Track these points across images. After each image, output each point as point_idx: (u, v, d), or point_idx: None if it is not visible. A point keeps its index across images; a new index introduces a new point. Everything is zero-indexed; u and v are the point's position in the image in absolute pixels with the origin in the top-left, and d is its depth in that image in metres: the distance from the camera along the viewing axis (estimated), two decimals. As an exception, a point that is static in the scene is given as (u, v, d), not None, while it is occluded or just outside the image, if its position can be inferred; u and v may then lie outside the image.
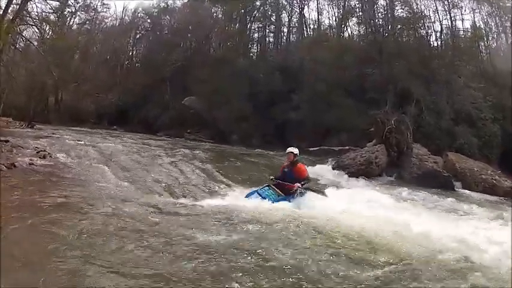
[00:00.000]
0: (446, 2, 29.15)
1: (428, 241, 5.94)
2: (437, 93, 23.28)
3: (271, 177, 9.05)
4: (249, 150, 21.30)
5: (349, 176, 14.72)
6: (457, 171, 15.67)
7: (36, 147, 12.27)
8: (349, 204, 8.26)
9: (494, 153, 20.87)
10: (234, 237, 5.53)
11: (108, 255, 4.56)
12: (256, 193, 8.31)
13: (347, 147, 19.49)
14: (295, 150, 8.87)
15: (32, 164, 10.00)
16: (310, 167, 15.38)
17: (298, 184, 8.27)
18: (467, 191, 14.40)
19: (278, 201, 7.97)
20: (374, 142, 17.36)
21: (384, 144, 16.39)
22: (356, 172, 14.98)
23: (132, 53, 43.86)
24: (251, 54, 37.18)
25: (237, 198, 8.53)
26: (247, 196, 8.33)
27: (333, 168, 15.76)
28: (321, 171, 15.17)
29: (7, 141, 12.54)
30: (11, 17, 18.58)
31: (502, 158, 20.08)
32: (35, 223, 5.45)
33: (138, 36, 43.42)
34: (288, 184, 8.41)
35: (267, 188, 8.52)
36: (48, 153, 11.49)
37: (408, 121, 17.54)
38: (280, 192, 8.29)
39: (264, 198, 8.00)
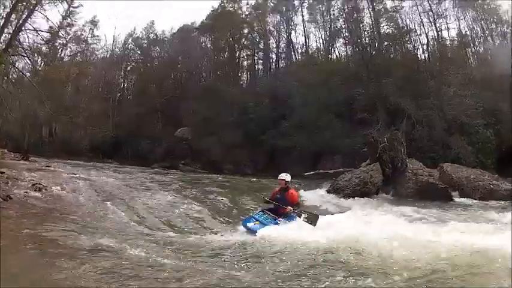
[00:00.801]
0: (431, 13, 29.63)
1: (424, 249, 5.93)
2: (427, 106, 23.34)
3: (265, 197, 9.10)
4: (242, 179, 21.22)
5: (345, 198, 14.41)
6: (454, 181, 15.58)
7: (31, 179, 12.23)
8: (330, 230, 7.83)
9: (490, 158, 20.85)
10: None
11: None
12: (252, 218, 8.33)
13: (342, 170, 19.25)
14: (287, 177, 8.88)
15: (27, 196, 10.07)
16: (304, 191, 15.52)
17: (290, 208, 8.30)
18: (465, 200, 14.37)
19: (276, 223, 8.03)
20: (368, 161, 17.29)
21: (379, 163, 16.25)
22: (352, 193, 14.73)
23: (123, 85, 44.44)
24: (241, 82, 37.63)
25: (237, 231, 8.42)
26: (244, 222, 8.31)
27: (328, 192, 15.60)
28: (315, 195, 14.99)
29: (2, 172, 12.53)
30: (3, 47, 18.80)
31: (498, 162, 20.04)
32: (33, 256, 5.50)
33: (129, 68, 44.12)
34: (280, 207, 8.43)
35: (261, 213, 8.53)
36: (44, 186, 11.44)
37: (401, 137, 17.35)
38: (275, 216, 8.30)
39: (261, 222, 8.03)
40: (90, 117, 36.06)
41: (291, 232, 7.39)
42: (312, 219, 8.28)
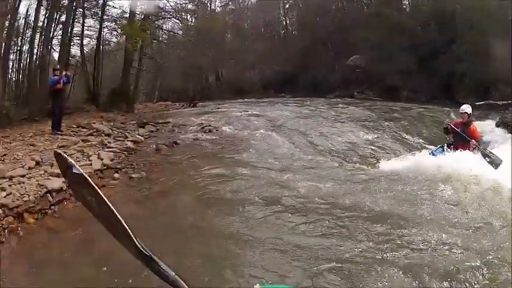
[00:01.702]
0: None
1: None
2: None
3: (447, 121, 9.02)
4: (418, 107, 19.99)
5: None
6: None
7: (200, 123, 12.51)
8: None
9: None
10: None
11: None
12: (430, 153, 8.45)
13: (511, 102, 17.90)
14: (469, 109, 8.34)
15: (197, 139, 10.24)
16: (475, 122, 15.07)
17: (474, 141, 7.84)
18: None
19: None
20: None
21: None
22: None
23: (286, 22, 45.25)
24: (404, 6, 35.89)
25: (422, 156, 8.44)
26: (432, 152, 8.44)
27: (497, 125, 14.87)
28: (484, 128, 13.96)
29: (167, 122, 12.99)
30: (143, 16, 20.65)
31: None
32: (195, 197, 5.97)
33: (287, 5, 44.50)
34: (462, 142, 8.04)
35: (441, 149, 8.31)
36: (214, 127, 11.78)
37: None
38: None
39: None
40: (256, 56, 38.86)
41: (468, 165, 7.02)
42: (496, 162, 7.49)
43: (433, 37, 26.82)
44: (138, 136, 10.60)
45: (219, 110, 18.04)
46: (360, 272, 3.89)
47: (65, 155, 1.06)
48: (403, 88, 26.87)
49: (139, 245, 0.93)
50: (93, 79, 20.98)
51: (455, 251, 4.25)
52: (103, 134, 10.61)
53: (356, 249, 4.30)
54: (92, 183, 0.96)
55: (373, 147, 10.38)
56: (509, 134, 13.67)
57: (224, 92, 34.98)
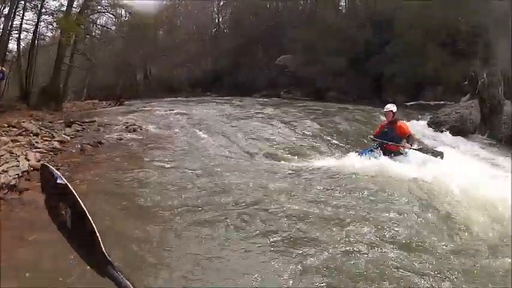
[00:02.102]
0: None
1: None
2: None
3: (370, 136, 8.71)
4: (346, 106, 20.21)
5: (443, 133, 14.36)
6: None
7: (126, 122, 12.37)
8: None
9: None
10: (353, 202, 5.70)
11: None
12: (360, 153, 8.39)
13: (442, 102, 18.73)
14: (394, 108, 8.28)
15: (121, 139, 10.15)
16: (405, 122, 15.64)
17: (408, 145, 7.81)
18: None
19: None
20: (468, 97, 17.41)
21: (478, 100, 16.29)
22: (450, 129, 14.57)
23: (218, 20, 44.68)
24: (340, 7, 36.40)
25: (347, 158, 8.46)
26: (358, 153, 8.47)
27: (428, 125, 15.41)
28: (417, 127, 14.42)
29: (93, 121, 12.77)
30: (79, 10, 20.00)
31: None
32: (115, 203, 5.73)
33: (221, 3, 44.10)
34: (391, 144, 7.99)
35: (370, 152, 8.17)
36: (139, 127, 11.71)
37: (500, 75, 16.98)
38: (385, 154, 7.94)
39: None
40: (186, 54, 37.92)
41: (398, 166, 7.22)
42: (438, 154, 7.81)
43: (368, 38, 27.52)
44: (64, 136, 10.34)
45: (145, 108, 18.19)
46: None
47: (51, 167, 1.06)
48: (332, 88, 27.35)
49: (106, 253, 0.95)
50: (26, 76, 19.79)
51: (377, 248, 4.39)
52: (31, 134, 10.32)
53: (278, 255, 4.31)
54: (75, 193, 0.97)
55: (296, 146, 10.43)
56: (440, 133, 14.38)
57: (152, 91, 34.15)
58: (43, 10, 20.01)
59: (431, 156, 7.71)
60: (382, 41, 26.42)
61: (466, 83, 18.67)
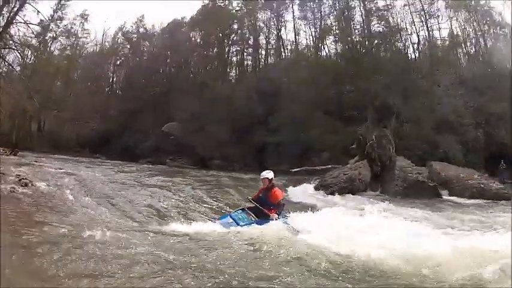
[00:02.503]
0: (423, 13, 29.62)
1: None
2: (417, 104, 23.34)
3: (249, 197, 8.78)
4: (228, 175, 20.84)
5: (332, 195, 14.34)
6: (443, 179, 15.68)
7: (18, 174, 12.10)
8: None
9: (479, 157, 20.74)
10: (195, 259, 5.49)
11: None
12: (229, 216, 8.20)
13: (329, 166, 19.11)
14: (270, 175, 8.42)
15: (13, 191, 9.93)
16: (293, 187, 15.62)
17: (276, 216, 7.92)
18: (454, 198, 14.39)
19: (249, 224, 7.80)
20: (356, 158, 17.26)
21: (367, 160, 16.27)
22: (339, 190, 14.62)
23: (112, 80, 44.07)
24: (230, 78, 37.25)
25: (207, 223, 8.35)
26: (220, 219, 8.20)
27: (316, 189, 15.51)
28: (303, 192, 14.85)
29: None
30: None
31: (488, 162, 20.01)
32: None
33: (118, 62, 43.64)
34: (264, 209, 8.06)
35: (241, 211, 8.31)
36: (30, 181, 11.35)
37: (389, 135, 17.43)
38: (254, 216, 8.02)
39: (236, 222, 7.83)
40: (78, 111, 36.25)
41: (259, 231, 7.22)
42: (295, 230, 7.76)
43: (254, 108, 28.03)
44: None
45: (37, 163, 18.13)
46: None
47: None
48: (216, 157, 27.36)
49: None
50: None
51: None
52: None
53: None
54: None
55: (172, 210, 10.46)
56: (330, 195, 14.51)
57: (44, 144, 32.06)
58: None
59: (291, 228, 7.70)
60: (267, 111, 27.29)
61: (353, 146, 18.59)
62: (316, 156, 23.33)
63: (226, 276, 4.84)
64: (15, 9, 19.58)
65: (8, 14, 19.38)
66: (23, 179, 11.43)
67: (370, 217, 8.85)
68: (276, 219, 7.81)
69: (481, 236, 6.80)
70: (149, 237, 6.93)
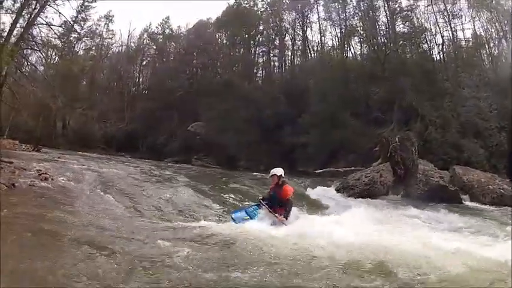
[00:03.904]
0: (446, 13, 29.31)
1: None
2: (442, 107, 23.16)
3: (260, 197, 8.87)
4: (254, 175, 20.59)
5: (353, 197, 14.47)
6: (465, 184, 15.39)
7: (39, 169, 12.49)
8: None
9: (502, 162, 20.21)
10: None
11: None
12: (244, 210, 8.44)
13: (353, 168, 18.96)
14: (279, 172, 8.34)
15: (32, 185, 10.20)
16: (313, 189, 15.59)
17: (282, 218, 7.84)
18: (475, 204, 14.18)
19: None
20: (380, 161, 17.26)
21: (389, 162, 16.27)
22: (360, 193, 14.76)
23: (138, 80, 44.93)
24: (256, 78, 37.61)
25: (223, 220, 8.76)
26: (234, 212, 8.51)
27: (337, 190, 15.61)
28: (323, 193, 14.89)
29: (11, 162, 12.84)
30: (15, 41, 18.99)
31: (510, 167, 19.41)
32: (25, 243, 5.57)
33: (144, 62, 44.46)
34: (274, 209, 8.04)
35: (256, 207, 8.40)
36: (50, 176, 11.68)
37: (413, 137, 17.34)
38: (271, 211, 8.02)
39: (250, 216, 8.03)
40: (104, 110, 37.63)
41: (266, 229, 7.29)
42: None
43: (281, 109, 28.13)
44: None
45: (59, 159, 17.91)
46: None
47: None
48: (242, 157, 27.48)
49: None
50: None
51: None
52: None
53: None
54: None
55: (191, 208, 10.54)
56: (349, 197, 14.63)
57: (69, 142, 32.90)
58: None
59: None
60: (294, 112, 27.17)
61: (376, 148, 18.60)
62: (344, 158, 23.14)
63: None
64: (37, 10, 19.74)
65: (29, 15, 19.50)
66: (43, 173, 11.72)
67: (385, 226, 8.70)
68: (283, 223, 7.74)
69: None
70: (166, 234, 7.06)
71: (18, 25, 19.14)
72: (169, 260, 5.43)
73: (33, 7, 19.62)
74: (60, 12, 20.85)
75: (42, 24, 20.13)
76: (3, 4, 19.05)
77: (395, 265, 5.28)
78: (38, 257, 5.02)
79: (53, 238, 5.97)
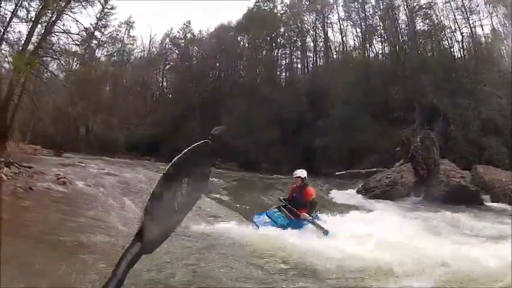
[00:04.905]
0: (463, 10, 29.03)
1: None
2: (463, 105, 22.99)
3: (281, 197, 9.09)
4: (276, 177, 20.58)
5: (374, 199, 14.22)
6: (486, 183, 15.16)
7: (57, 174, 12.42)
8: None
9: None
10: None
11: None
12: (265, 214, 8.46)
13: (374, 169, 18.72)
14: (303, 174, 8.56)
15: (49, 189, 10.38)
16: (335, 190, 15.77)
17: (306, 215, 7.90)
18: (496, 205, 13.87)
19: (287, 225, 7.85)
20: (401, 162, 17.17)
21: (411, 163, 16.13)
22: (381, 194, 14.59)
23: (162, 84, 45.47)
24: (279, 81, 37.82)
25: (244, 223, 8.66)
26: (255, 216, 8.55)
27: (358, 192, 15.53)
28: (344, 195, 14.97)
29: (30, 167, 12.85)
30: (32, 49, 19.38)
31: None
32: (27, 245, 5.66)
33: (167, 67, 44.87)
34: (296, 210, 8.14)
35: (277, 209, 8.47)
36: (68, 180, 11.77)
37: (434, 137, 17.20)
38: (290, 215, 8.15)
39: (273, 220, 8.05)
40: (127, 115, 37.86)
41: (288, 236, 7.27)
42: (324, 231, 7.73)
43: (303, 111, 28.31)
44: (2, 175, 10.39)
45: (80, 164, 17.75)
46: None
47: None
48: (265, 160, 27.49)
49: None
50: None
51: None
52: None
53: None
54: None
55: (211, 211, 10.47)
56: (371, 199, 14.42)
57: (91, 147, 33.12)
58: (5, 36, 19.23)
59: (319, 230, 7.76)
60: (316, 114, 27.45)
61: (398, 149, 18.47)
62: (366, 160, 22.87)
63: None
64: (54, 18, 20.03)
65: (46, 23, 19.79)
66: (61, 177, 11.75)
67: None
68: (308, 220, 7.82)
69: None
70: (184, 238, 7.08)
71: (35, 34, 19.38)
72: (194, 266, 5.65)
73: (50, 16, 20.08)
74: (77, 20, 21.34)
75: (59, 32, 20.64)
76: (18, 14, 19.28)
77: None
78: (51, 260, 5.20)
79: (60, 242, 6.08)
